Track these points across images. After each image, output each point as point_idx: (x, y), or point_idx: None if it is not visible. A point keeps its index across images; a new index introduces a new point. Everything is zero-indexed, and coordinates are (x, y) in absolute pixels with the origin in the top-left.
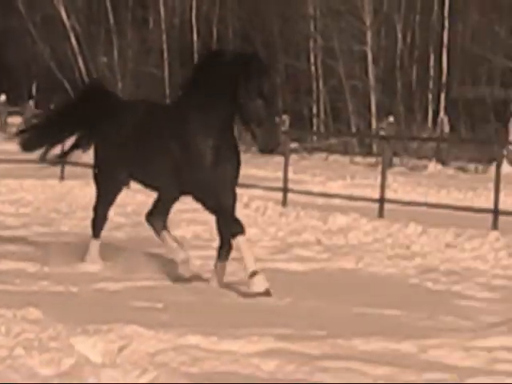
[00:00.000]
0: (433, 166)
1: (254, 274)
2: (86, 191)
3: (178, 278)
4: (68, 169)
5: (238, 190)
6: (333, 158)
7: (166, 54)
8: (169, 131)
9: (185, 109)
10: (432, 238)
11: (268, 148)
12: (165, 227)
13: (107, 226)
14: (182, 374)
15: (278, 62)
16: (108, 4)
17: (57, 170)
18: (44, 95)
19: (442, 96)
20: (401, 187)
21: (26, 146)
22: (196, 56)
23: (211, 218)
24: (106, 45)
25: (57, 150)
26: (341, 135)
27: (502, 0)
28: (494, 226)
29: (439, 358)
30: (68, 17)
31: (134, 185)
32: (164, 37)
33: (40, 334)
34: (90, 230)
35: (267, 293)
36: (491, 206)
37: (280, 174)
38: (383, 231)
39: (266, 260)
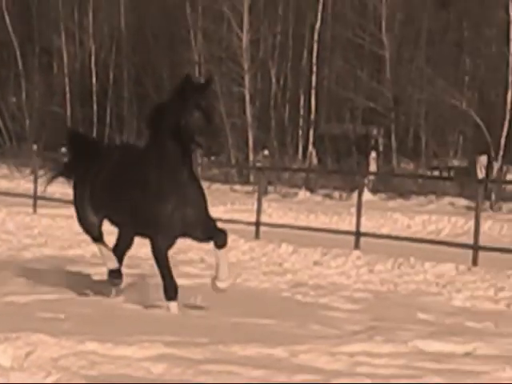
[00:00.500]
0: (303, 194)
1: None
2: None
3: (79, 293)
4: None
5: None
6: (215, 186)
7: (68, 96)
8: (129, 171)
9: (141, 150)
10: (302, 257)
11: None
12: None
13: (15, 246)
14: (82, 376)
15: None
16: (17, 51)
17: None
18: None
19: (311, 132)
20: (274, 212)
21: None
22: (95, 97)
23: (107, 239)
24: (15, 87)
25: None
26: (222, 166)
27: (362, 49)
28: (356, 246)
29: (308, 362)
30: None
31: (39, 209)
32: (67, 80)
33: None
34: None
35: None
36: (353, 228)
37: None
38: (259, 251)
39: (156, 275)
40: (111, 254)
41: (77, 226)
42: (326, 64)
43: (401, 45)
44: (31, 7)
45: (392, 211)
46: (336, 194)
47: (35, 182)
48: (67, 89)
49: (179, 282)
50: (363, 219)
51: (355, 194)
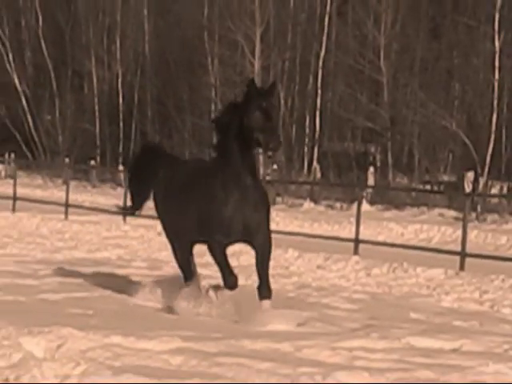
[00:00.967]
0: (307, 204)
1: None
2: (32, 221)
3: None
4: (18, 203)
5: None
6: None
7: (97, 114)
8: (196, 183)
9: (210, 163)
10: (306, 261)
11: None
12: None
13: (49, 248)
14: (107, 367)
15: (186, 120)
16: (52, 73)
17: (9, 203)
18: (0, 145)
19: (315, 149)
20: (282, 220)
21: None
22: (121, 115)
23: (131, 243)
24: (50, 106)
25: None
26: None
27: (362, 75)
28: (355, 252)
29: (310, 356)
30: (20, 83)
31: (70, 216)
32: (96, 100)
33: None
34: (34, 252)
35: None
36: (353, 236)
37: None
38: None
39: (175, 277)
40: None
41: (104, 231)
42: (329, 88)
43: (397, 71)
44: (65, 34)
45: (387, 221)
46: (337, 204)
47: (67, 191)
48: (96, 108)
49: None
50: (362, 228)
51: (355, 205)
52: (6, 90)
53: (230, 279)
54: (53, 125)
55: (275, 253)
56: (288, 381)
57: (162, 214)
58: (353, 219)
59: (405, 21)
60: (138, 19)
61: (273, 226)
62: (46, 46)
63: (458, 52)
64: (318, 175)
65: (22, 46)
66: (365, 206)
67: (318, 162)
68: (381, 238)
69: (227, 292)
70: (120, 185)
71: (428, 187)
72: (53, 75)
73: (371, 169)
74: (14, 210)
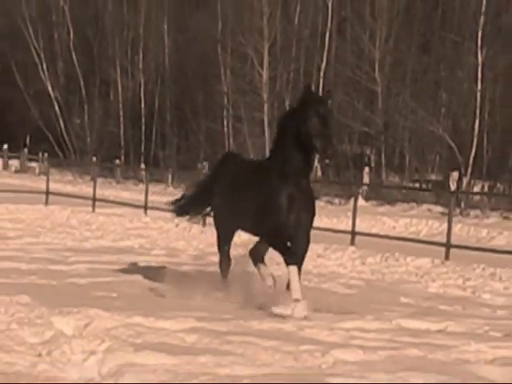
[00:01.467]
0: None
1: (296, 300)
2: (62, 213)
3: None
4: (50, 197)
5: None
6: None
7: (121, 118)
8: (255, 182)
9: (266, 162)
10: (308, 250)
11: (327, 157)
12: (262, 261)
13: (78, 238)
14: (129, 344)
15: (201, 124)
16: (81, 82)
17: (43, 197)
18: (35, 145)
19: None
20: None
21: (178, 213)
22: (143, 119)
23: (151, 234)
24: (79, 111)
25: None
26: None
27: (359, 85)
28: (352, 243)
29: (311, 335)
30: (53, 90)
31: (97, 209)
32: (120, 106)
33: (29, 313)
34: (65, 241)
35: (304, 318)
36: (350, 228)
37: None
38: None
39: (191, 264)
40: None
41: (127, 223)
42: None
43: (390, 82)
44: (93, 47)
45: (381, 215)
46: (336, 200)
47: (94, 186)
48: (121, 113)
49: (208, 269)
50: (358, 221)
51: (351, 201)
52: (41, 96)
53: (293, 257)
54: (82, 128)
55: None
56: (291, 357)
57: (218, 206)
58: (350, 213)
59: (398, 37)
60: (158, 34)
61: None
62: (77, 58)
63: (444, 65)
64: (319, 173)
65: (54, 57)
66: (360, 202)
67: (319, 161)
68: (375, 231)
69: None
70: (141, 181)
71: (417, 185)
72: (82, 83)
73: (366, 168)
74: (46, 203)
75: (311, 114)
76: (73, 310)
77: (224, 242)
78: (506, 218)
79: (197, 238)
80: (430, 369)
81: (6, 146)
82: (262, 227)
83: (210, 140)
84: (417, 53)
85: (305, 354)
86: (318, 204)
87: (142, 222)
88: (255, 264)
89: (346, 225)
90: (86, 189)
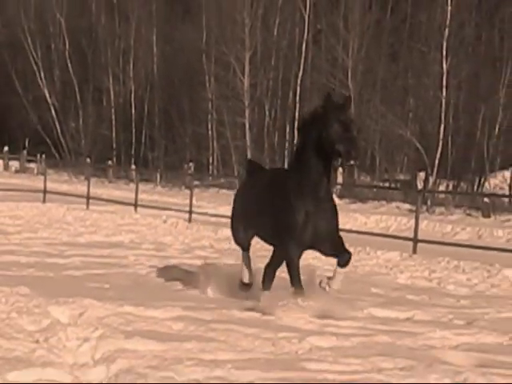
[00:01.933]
0: None
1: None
2: (59, 210)
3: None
4: (48, 195)
5: (161, 212)
6: (222, 191)
7: (113, 122)
8: (273, 192)
9: (285, 172)
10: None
11: (352, 159)
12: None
13: (73, 233)
14: (120, 331)
15: (187, 128)
16: (76, 88)
17: (40, 195)
18: (33, 147)
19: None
20: None
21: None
22: (133, 124)
23: (141, 229)
24: (74, 115)
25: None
26: (227, 177)
27: (333, 91)
28: None
29: (289, 323)
30: (50, 96)
31: (91, 206)
32: (113, 111)
33: (28, 303)
34: (61, 236)
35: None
36: None
37: (187, 201)
38: (254, 240)
39: (177, 257)
40: (249, 270)
41: (119, 219)
42: (306, 102)
43: (362, 88)
44: (87, 56)
45: (353, 212)
46: None
47: (88, 185)
48: (113, 117)
49: (194, 261)
50: None
51: None
52: (39, 102)
53: (298, 288)
54: (77, 131)
55: (256, 239)
56: (269, 343)
57: (237, 213)
58: None
59: (369, 47)
60: (148, 44)
61: None
62: (72, 66)
63: (412, 73)
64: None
65: (51, 65)
66: (335, 200)
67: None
68: (348, 227)
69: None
70: (132, 181)
71: (387, 184)
72: (77, 90)
73: (340, 169)
74: (44, 201)
75: (332, 121)
76: (68, 299)
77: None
78: (468, 214)
79: (183, 234)
80: (398, 354)
81: (6, 148)
82: (277, 240)
83: (195, 142)
84: (386, 62)
85: (283, 340)
86: None
87: (133, 219)
88: (243, 249)
89: None
90: (81, 188)
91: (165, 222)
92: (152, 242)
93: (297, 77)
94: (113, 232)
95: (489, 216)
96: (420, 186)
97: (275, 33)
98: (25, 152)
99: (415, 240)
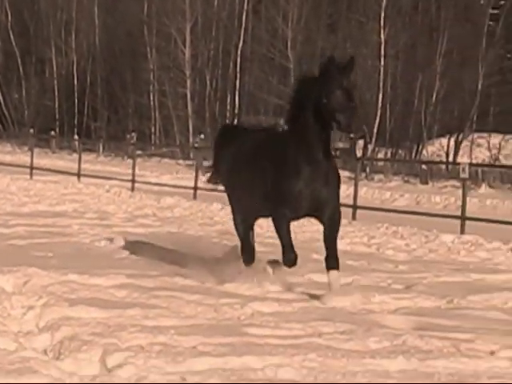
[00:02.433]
0: None
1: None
2: (2, 181)
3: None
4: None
5: (104, 182)
6: (164, 161)
7: (56, 93)
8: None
9: (280, 134)
10: (228, 212)
11: (351, 131)
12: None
13: (17, 203)
14: (64, 299)
15: (129, 98)
16: (19, 60)
17: (27, 170)
18: None
19: (235, 122)
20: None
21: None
22: (76, 94)
23: (85, 199)
24: (17, 86)
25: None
26: (169, 146)
27: (273, 61)
28: None
29: (231, 289)
30: None
31: (35, 176)
32: (55, 82)
33: None
34: (5, 206)
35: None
36: None
37: (130, 171)
38: (196, 208)
39: (121, 226)
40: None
41: (62, 189)
42: (246, 72)
43: (301, 59)
44: (30, 28)
45: None
46: None
47: (31, 156)
48: (56, 88)
49: (137, 230)
50: None
51: None
52: None
53: (289, 256)
54: (20, 102)
55: (202, 206)
56: (212, 309)
57: (228, 185)
58: None
59: (308, 17)
60: (89, 16)
61: (200, 184)
62: (14, 38)
63: (351, 43)
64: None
65: None
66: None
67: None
68: None
69: (284, 268)
70: (75, 151)
71: None
72: (20, 61)
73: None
74: (31, 177)
75: (334, 87)
76: (12, 268)
77: (243, 226)
78: (406, 181)
79: (126, 203)
80: (338, 318)
81: None
82: (272, 209)
83: (137, 113)
84: (326, 32)
85: (225, 306)
86: None
87: (76, 188)
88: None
89: None
90: (24, 158)
91: (108, 191)
92: (95, 211)
93: (237, 47)
94: (56, 201)
95: (426, 183)
96: (359, 153)
97: (216, 4)
98: None
99: (354, 206)
